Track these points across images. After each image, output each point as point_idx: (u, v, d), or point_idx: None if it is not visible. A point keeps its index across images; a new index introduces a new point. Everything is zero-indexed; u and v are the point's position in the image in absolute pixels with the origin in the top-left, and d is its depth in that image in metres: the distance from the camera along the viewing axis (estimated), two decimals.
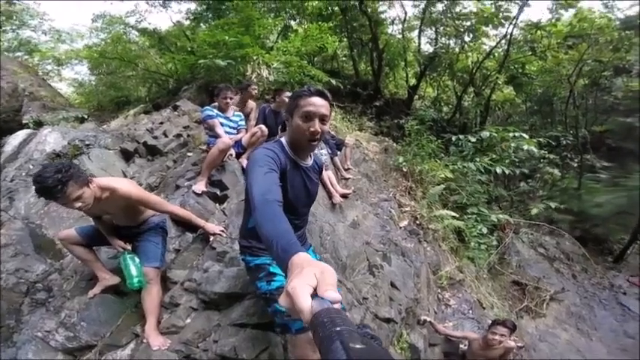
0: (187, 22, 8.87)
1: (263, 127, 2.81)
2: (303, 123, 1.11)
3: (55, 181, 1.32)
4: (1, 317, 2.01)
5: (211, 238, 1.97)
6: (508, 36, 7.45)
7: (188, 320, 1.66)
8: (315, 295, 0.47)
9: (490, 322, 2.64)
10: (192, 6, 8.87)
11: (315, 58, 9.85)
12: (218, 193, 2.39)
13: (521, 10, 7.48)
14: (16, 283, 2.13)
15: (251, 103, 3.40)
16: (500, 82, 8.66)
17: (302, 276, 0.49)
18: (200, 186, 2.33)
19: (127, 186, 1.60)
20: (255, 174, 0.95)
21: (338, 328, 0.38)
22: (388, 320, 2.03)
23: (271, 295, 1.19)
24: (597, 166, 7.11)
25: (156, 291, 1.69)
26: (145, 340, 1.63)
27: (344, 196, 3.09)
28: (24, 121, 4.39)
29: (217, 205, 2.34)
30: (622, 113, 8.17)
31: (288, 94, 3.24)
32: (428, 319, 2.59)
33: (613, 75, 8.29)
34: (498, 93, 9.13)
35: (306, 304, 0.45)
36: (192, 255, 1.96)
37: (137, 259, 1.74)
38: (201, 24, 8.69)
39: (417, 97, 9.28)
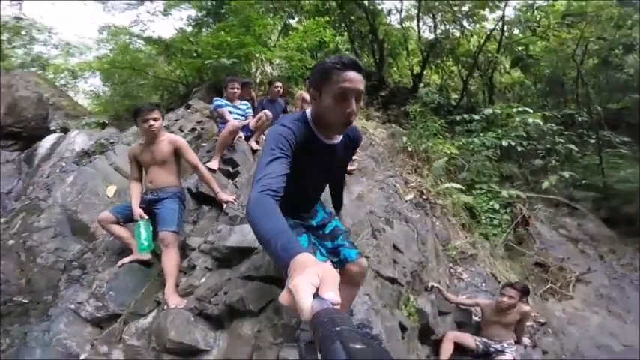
0: (189, 29, 9.11)
1: (267, 112, 3.05)
2: (336, 104, 0.98)
3: (154, 104, 2.12)
4: (40, 293, 2.29)
5: (224, 206, 2.21)
6: (502, 18, 7.44)
7: (203, 279, 1.86)
8: (316, 294, 0.47)
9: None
10: (193, 12, 9.22)
11: (318, 54, 10.08)
12: (230, 170, 2.64)
13: None
14: (55, 261, 2.41)
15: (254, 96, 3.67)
16: (506, 65, 8.60)
17: (305, 274, 0.49)
18: (214, 163, 2.58)
19: (178, 136, 2.16)
20: (263, 159, 0.92)
21: (338, 328, 0.38)
22: (392, 280, 2.17)
23: None
24: (616, 141, 6.92)
25: (174, 254, 1.90)
26: (163, 309, 1.79)
27: (349, 173, 3.26)
28: (51, 128, 4.83)
29: (230, 180, 2.57)
30: (636, 90, 7.95)
31: (279, 83, 3.47)
32: (435, 285, 2.64)
33: (623, 53, 8.10)
34: (506, 76, 9.06)
35: (306, 303, 0.45)
36: (208, 223, 2.19)
37: (150, 228, 1.98)
38: (203, 29, 9.02)
39: (422, 84, 9.33)
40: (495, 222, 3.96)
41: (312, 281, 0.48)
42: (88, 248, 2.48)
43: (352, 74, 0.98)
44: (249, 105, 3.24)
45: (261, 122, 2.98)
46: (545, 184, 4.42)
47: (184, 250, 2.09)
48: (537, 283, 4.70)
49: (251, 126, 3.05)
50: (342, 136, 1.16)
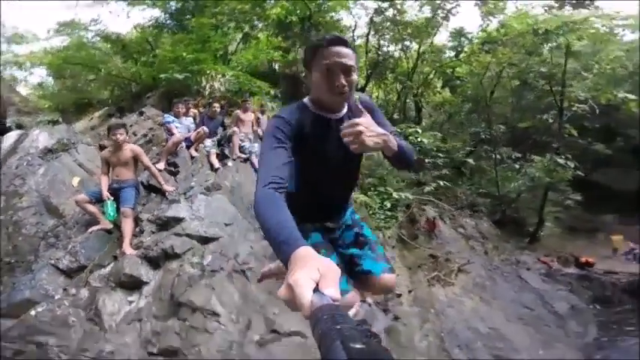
0: (150, 28, 9.80)
1: (205, 128, 4.43)
2: (324, 81, 1.03)
3: (121, 123, 3.43)
4: (24, 255, 3.43)
5: (167, 193, 3.55)
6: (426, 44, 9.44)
7: (149, 238, 3.19)
8: (316, 289, 0.50)
9: None
10: (156, 13, 9.91)
11: (277, 64, 11.50)
12: (173, 169, 3.98)
13: (444, 19, 9.55)
14: (36, 231, 3.56)
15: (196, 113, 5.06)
16: (438, 85, 10.69)
17: (306, 269, 0.53)
18: (161, 165, 3.92)
19: (136, 146, 3.44)
20: (263, 153, 0.98)
21: (338, 327, 0.41)
22: None
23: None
24: (511, 157, 9.18)
25: (130, 222, 3.19)
26: (120, 258, 3.05)
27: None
28: (7, 125, 5.68)
29: (172, 177, 3.91)
30: (542, 111, 10.39)
31: (217, 105, 4.85)
32: None
33: (536, 77, 10.48)
34: (438, 95, 11.18)
35: (306, 298, 0.48)
36: (154, 205, 3.52)
37: (115, 205, 3.24)
38: (164, 31, 9.80)
39: None
40: (383, 216, 5.60)
41: (312, 276, 0.52)
42: (60, 223, 3.65)
43: (336, 49, 1.02)
44: (192, 120, 4.60)
45: (199, 135, 4.36)
46: (427, 189, 6.20)
47: (137, 222, 3.39)
48: (429, 271, 6.35)
49: (192, 138, 4.40)
50: (345, 108, 1.15)
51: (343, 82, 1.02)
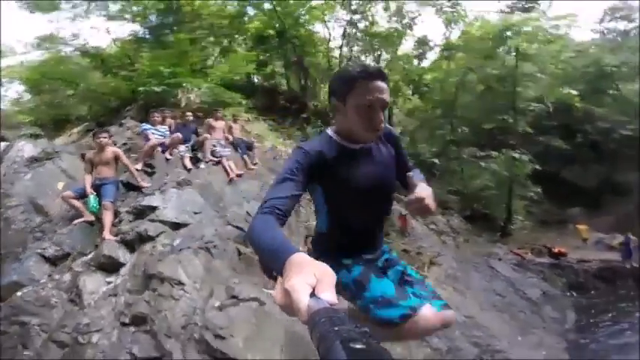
0: (129, 43, 10.23)
1: (179, 134, 5.09)
2: (362, 116, 1.03)
3: (105, 129, 4.09)
4: (13, 247, 3.94)
5: (143, 189, 4.17)
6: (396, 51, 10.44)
7: (127, 226, 3.77)
8: (312, 294, 0.52)
9: None
10: (136, 27, 10.45)
11: (256, 76, 12.33)
12: (149, 170, 4.61)
13: (408, 27, 10.58)
14: (24, 226, 4.09)
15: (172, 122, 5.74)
16: (408, 93, 11.66)
17: (302, 274, 0.55)
18: (139, 165, 4.56)
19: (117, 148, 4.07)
20: (273, 182, 1.01)
21: (336, 328, 0.42)
22: None
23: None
24: (476, 156, 10.10)
25: (110, 214, 3.77)
26: (100, 244, 3.62)
27: (238, 175, 5.37)
28: None
29: (148, 177, 4.54)
30: (503, 112, 11.41)
31: (190, 113, 5.53)
32: None
33: (494, 79, 11.49)
34: (408, 102, 12.16)
35: (303, 303, 0.50)
36: (132, 199, 4.12)
37: (97, 199, 3.82)
38: (143, 45, 10.23)
39: None
40: None
41: (308, 281, 0.53)
42: (45, 220, 4.19)
43: (379, 84, 1.03)
44: (167, 128, 5.27)
45: (173, 141, 5.03)
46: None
47: (116, 214, 3.97)
48: None
49: (166, 143, 5.06)
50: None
51: (382, 118, 1.05)
